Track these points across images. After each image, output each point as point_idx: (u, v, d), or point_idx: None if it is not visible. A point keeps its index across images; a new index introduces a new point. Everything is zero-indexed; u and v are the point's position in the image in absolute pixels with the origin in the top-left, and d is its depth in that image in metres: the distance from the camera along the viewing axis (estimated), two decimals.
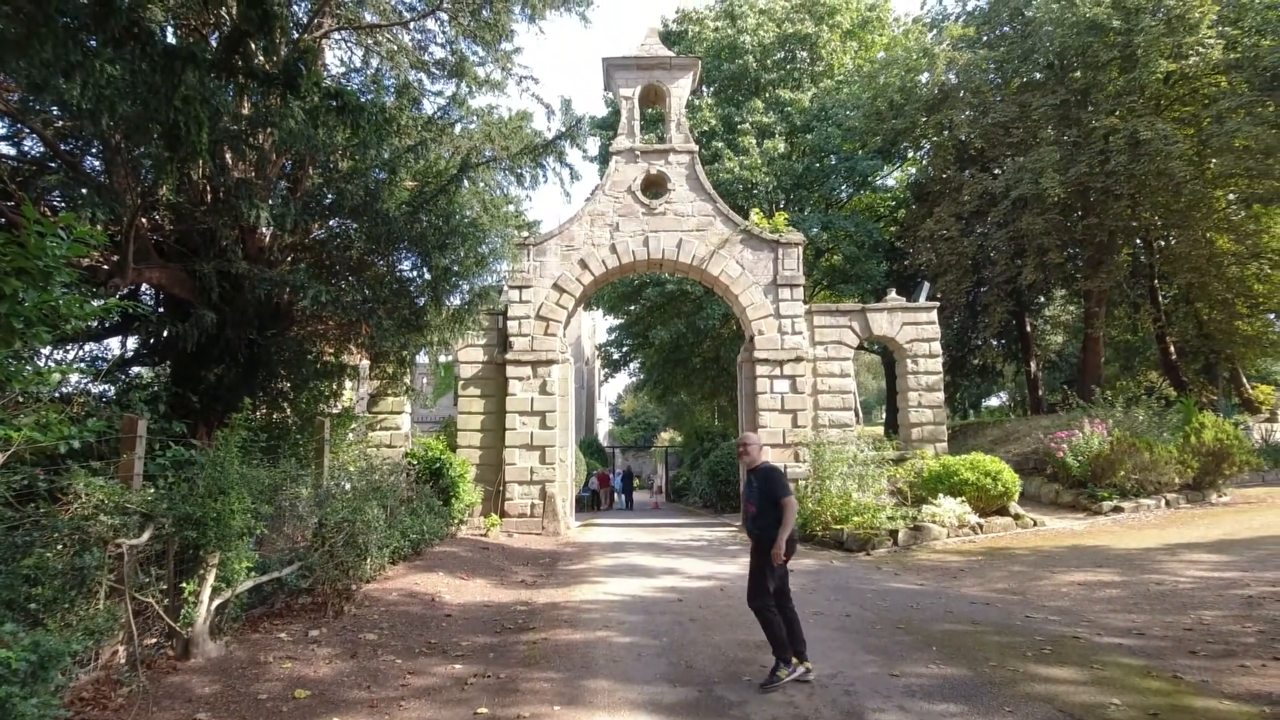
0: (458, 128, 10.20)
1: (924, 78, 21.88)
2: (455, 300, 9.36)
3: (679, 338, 23.60)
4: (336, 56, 10.32)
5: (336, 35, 9.52)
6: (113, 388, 7.69)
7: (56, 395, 6.26)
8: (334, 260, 8.79)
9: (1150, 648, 5.40)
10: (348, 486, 8.01)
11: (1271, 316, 22.61)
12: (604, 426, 57.07)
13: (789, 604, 5.13)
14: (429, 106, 10.19)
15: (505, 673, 5.21)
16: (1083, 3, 18.15)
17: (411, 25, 9.72)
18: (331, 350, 9.49)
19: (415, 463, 12.53)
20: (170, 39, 6.94)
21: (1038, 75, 20.77)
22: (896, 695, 4.54)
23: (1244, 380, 22.99)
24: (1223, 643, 5.40)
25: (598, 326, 44.42)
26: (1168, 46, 17.47)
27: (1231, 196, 20.20)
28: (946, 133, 22.69)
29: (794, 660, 4.91)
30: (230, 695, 4.57)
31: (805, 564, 10.17)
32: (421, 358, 11.95)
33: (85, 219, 5.40)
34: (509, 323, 15.13)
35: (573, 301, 15.46)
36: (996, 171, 21.60)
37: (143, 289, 8.38)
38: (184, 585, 5.16)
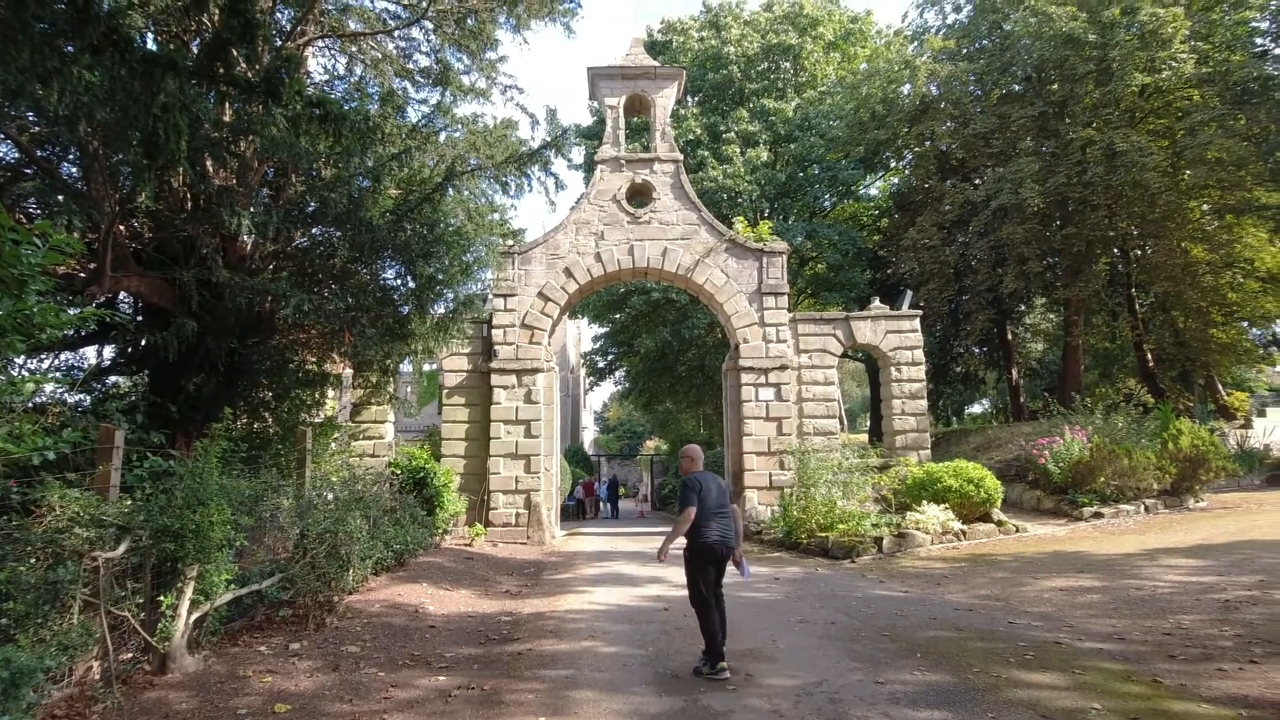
0: (442, 136, 10.19)
1: (905, 89, 22.18)
2: (439, 309, 9.31)
3: (664, 346, 23.64)
4: (320, 64, 10.30)
5: (320, 43, 9.50)
6: (89, 397, 7.57)
7: (30, 405, 6.15)
8: (317, 268, 8.73)
9: (1130, 652, 5.46)
10: (330, 497, 7.93)
11: (1245, 324, 23.06)
12: (589, 435, 56.95)
13: (720, 602, 5.55)
14: (413, 114, 10.18)
15: (490, 684, 5.16)
16: (1059, 17, 18.50)
17: (396, 33, 9.72)
18: (314, 359, 9.40)
19: (399, 472, 12.43)
20: (151, 46, 6.88)
21: (1016, 87, 21.13)
22: (881, 703, 4.55)
23: (1219, 387, 23.40)
24: (1201, 646, 5.47)
25: (583, 335, 44.39)
26: (1142, 60, 17.85)
27: (1205, 207, 20.59)
28: (928, 143, 22.99)
29: (721, 666, 5.24)
30: (208, 710, 4.49)
31: (790, 572, 10.19)
32: (405, 366, 11.90)
33: (61, 226, 5.34)
34: (494, 331, 15.08)
35: (558, 310, 15.45)
36: (977, 181, 21.92)
37: (121, 297, 8.27)
38: (161, 598, 5.06)
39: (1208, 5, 19.35)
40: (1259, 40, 19.65)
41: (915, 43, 24.19)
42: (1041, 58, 19.39)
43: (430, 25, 9.47)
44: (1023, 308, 25.95)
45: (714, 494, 5.62)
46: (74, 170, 7.41)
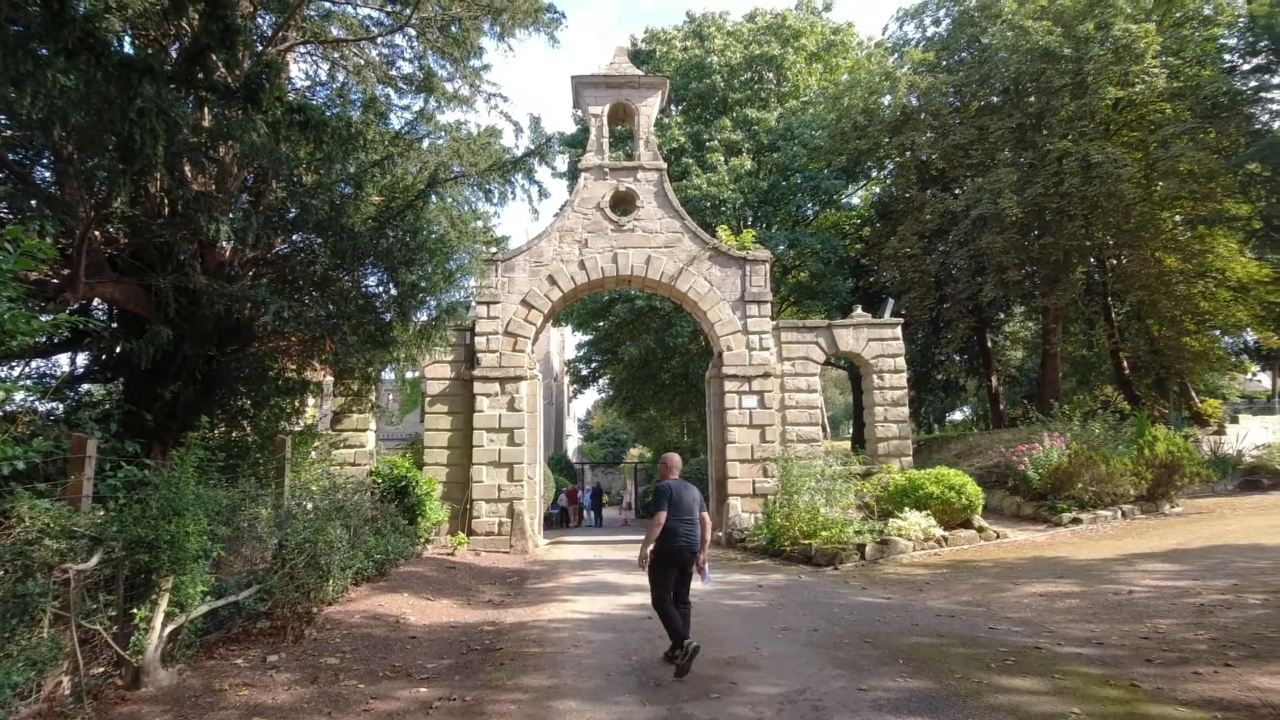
0: (425, 143, 10.16)
1: (886, 100, 22.47)
2: (422, 316, 9.25)
3: (648, 354, 23.65)
4: (301, 70, 10.25)
5: (302, 49, 9.44)
6: (61, 406, 7.43)
7: (0, 414, 6.02)
8: (297, 275, 8.64)
9: (1108, 657, 5.52)
10: (310, 506, 7.82)
11: (1217, 333, 23.53)
12: (573, 443, 56.77)
13: (685, 606, 5.91)
14: (396, 121, 10.16)
15: (471, 695, 5.10)
16: (1035, 31, 18.86)
17: (379, 40, 9.69)
18: (294, 367, 9.29)
19: (380, 481, 12.30)
20: (128, 50, 6.80)
21: (995, 99, 21.49)
22: (864, 710, 4.56)
23: (1193, 394, 23.82)
24: (1177, 650, 5.54)
25: (566, 342, 44.31)
26: (1116, 74, 18.24)
27: (1178, 218, 21.05)
28: (909, 153, 23.29)
29: (686, 643, 5.48)
30: None
31: (773, 579, 10.20)
32: (387, 374, 11.79)
33: (34, 231, 5.24)
34: (477, 339, 15.01)
35: (541, 317, 15.41)
36: (957, 191, 22.21)
37: (95, 304, 8.13)
38: (135, 611, 4.96)
39: (1178, 22, 19.85)
40: (1227, 56, 20.18)
41: (896, 55, 24.54)
42: (1019, 71, 19.75)
43: (414, 33, 9.46)
44: (1002, 316, 26.29)
45: (684, 501, 5.91)
46: (47, 175, 7.30)
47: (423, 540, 12.41)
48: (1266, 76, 19.88)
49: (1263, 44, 19.34)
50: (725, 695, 4.96)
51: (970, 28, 21.80)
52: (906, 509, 12.57)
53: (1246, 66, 20.07)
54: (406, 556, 10.88)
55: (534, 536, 14.79)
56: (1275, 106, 20.00)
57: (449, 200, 9.64)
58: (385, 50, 9.99)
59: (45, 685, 4.39)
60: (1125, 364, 23.48)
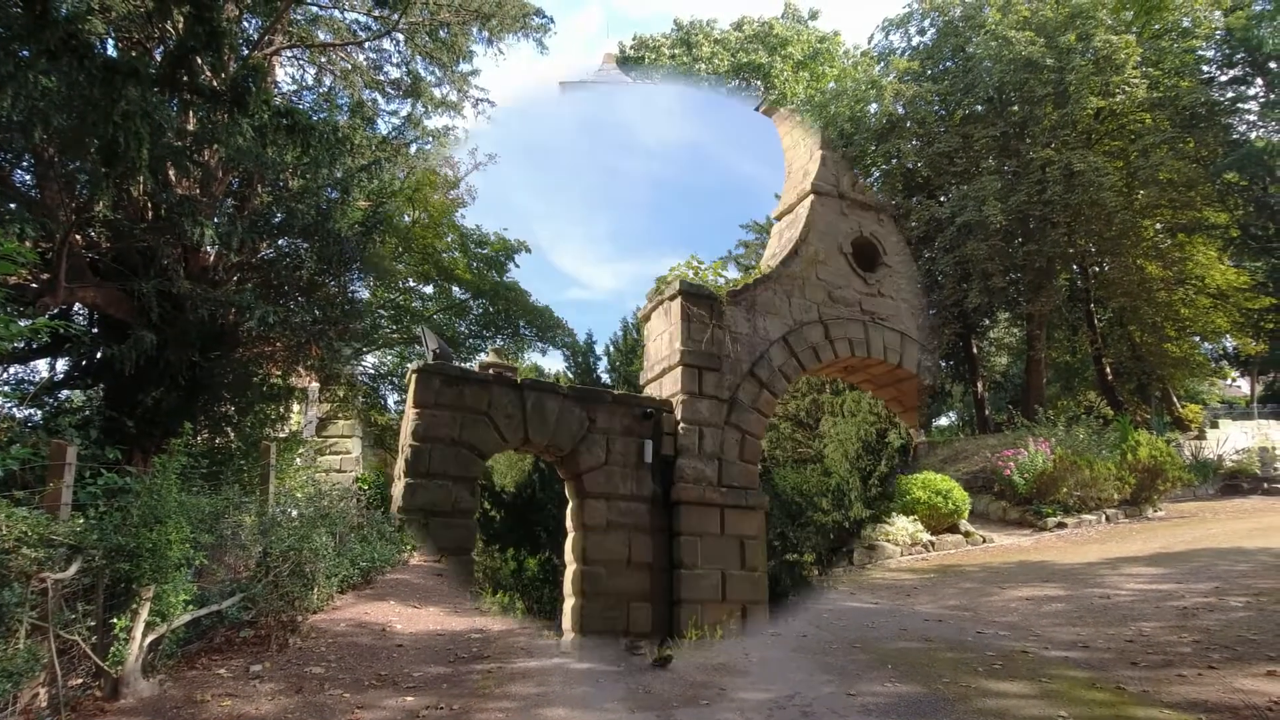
0: (413, 148, 10.14)
1: (872, 108, 22.68)
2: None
3: None
4: (288, 74, 10.20)
5: (288, 53, 9.41)
6: (40, 412, 7.31)
7: None
8: (283, 280, 8.59)
9: (1094, 660, 5.55)
10: (294, 513, 7.73)
11: (1197, 339, 23.86)
12: None
13: None
14: (383, 126, 10.14)
15: (459, 704, 5.05)
16: (1018, 42, 19.12)
17: (366, 45, 9.67)
18: (279, 372, 9.22)
19: (367, 488, 12.18)
20: (111, 52, 6.74)
21: (979, 108, 21.74)
22: (853, 715, 4.55)
23: (1174, 400, 24.13)
24: (1161, 653, 5.59)
25: None
26: (1097, 85, 18.51)
27: (1158, 226, 21.36)
28: (895, 161, 23.49)
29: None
30: None
31: None
32: None
33: (13, 235, 5.16)
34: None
35: None
36: (942, 199, 22.43)
37: (76, 309, 8.04)
38: (115, 621, 4.86)
39: (1158, 34, 20.19)
40: (1205, 67, 20.56)
41: (881, 63, 24.78)
42: (1002, 80, 20.00)
43: (401, 37, 9.45)
44: (987, 322, 26.52)
45: None
46: (28, 178, 7.21)
47: (410, 547, 12.27)
48: (1243, 88, 20.30)
49: (1239, 56, 19.73)
50: (714, 701, 4.94)
51: (954, 37, 22.06)
52: (894, 514, 12.61)
53: (1224, 78, 20.47)
54: (393, 564, 10.73)
55: None
56: (1252, 117, 20.43)
57: None
58: (373, 55, 10.00)
59: (21, 697, 4.30)
60: (1108, 370, 23.74)
